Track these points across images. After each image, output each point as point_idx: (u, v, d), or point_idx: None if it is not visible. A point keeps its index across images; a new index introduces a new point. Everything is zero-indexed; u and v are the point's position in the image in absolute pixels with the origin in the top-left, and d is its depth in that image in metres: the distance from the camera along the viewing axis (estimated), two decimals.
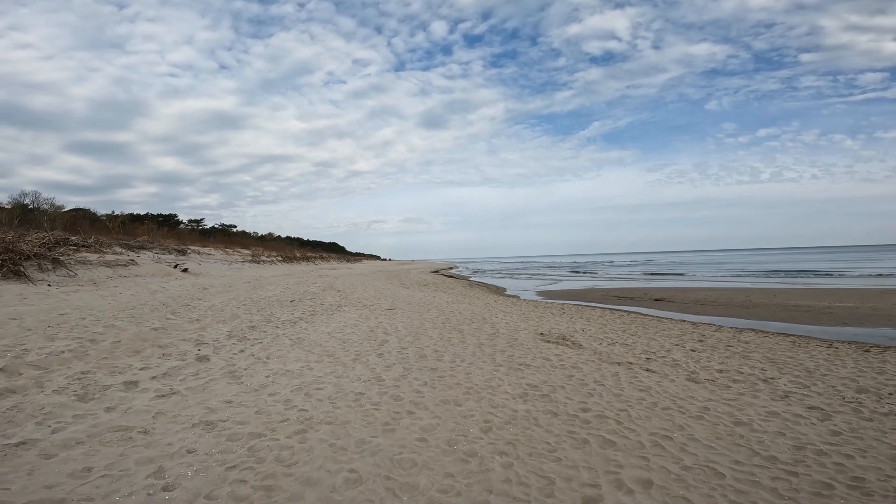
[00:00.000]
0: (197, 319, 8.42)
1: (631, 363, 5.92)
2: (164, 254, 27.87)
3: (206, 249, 35.92)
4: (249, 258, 39.03)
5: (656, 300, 16.63)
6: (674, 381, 5.18)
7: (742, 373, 5.69)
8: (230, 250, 40.67)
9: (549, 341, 7.31)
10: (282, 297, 12.93)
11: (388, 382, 4.76)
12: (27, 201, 34.48)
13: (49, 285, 14.52)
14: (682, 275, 34.40)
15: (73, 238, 22.92)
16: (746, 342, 8.01)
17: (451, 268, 66.44)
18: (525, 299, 17.10)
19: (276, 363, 5.40)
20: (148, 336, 6.49)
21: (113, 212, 47.40)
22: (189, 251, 31.52)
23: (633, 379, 5.17)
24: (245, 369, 5.08)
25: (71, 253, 19.66)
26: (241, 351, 5.96)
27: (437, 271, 49.05)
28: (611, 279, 31.03)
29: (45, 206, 36.06)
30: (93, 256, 20.37)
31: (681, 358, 6.39)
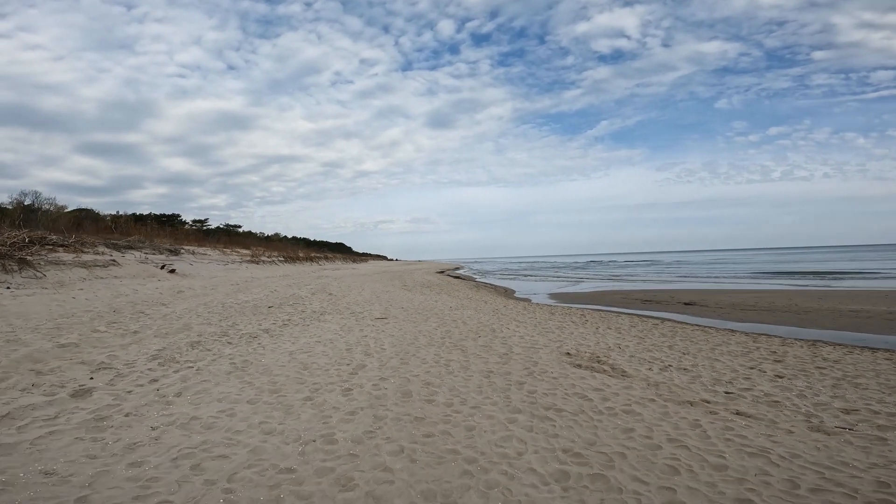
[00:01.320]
0: (135, 332, 6.74)
1: (708, 402, 4.11)
2: (154, 254, 26.45)
3: (202, 249, 34.52)
4: (249, 258, 37.58)
5: (686, 304, 14.71)
6: (792, 432, 3.37)
7: (878, 412, 3.86)
8: (228, 250, 39.25)
9: (579, 365, 5.51)
10: (263, 302, 11.26)
11: (342, 447, 3.00)
12: (28, 201, 33.49)
13: (8, 287, 12.99)
14: (703, 276, 32.26)
15: (53, 237, 21.55)
16: (836, 361, 6.14)
17: (457, 268, 64.60)
18: (538, 303, 15.27)
19: (182, 405, 3.67)
20: (44, 355, 4.83)
21: (118, 212, 46.57)
22: (183, 251, 30.10)
23: (729, 432, 3.36)
24: (128, 414, 3.37)
25: (44, 253, 18.23)
26: (152, 381, 4.25)
27: (442, 272, 47.29)
28: (627, 280, 29.05)
29: (47, 206, 35.08)
30: (68, 257, 18.91)
31: (773, 391, 4.55)
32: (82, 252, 20.75)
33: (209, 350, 5.77)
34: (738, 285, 22.45)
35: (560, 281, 29.28)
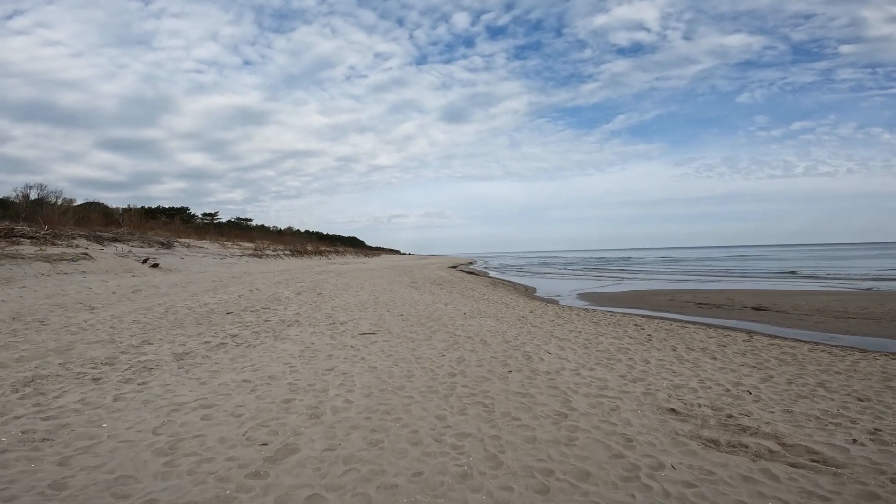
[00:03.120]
0: None
1: None
2: (143, 247, 24.44)
3: (200, 243, 32.54)
4: (251, 252, 35.56)
5: (756, 309, 11.88)
6: None
7: None
8: (230, 244, 37.27)
9: (714, 443, 2.89)
10: (225, 306, 8.87)
11: None
12: (34, 195, 32.07)
13: None
14: (741, 274, 29.10)
15: (25, 228, 19.58)
16: None
17: (470, 262, 61.86)
18: (568, 306, 12.58)
19: None
20: None
21: (129, 206, 45.60)
22: (177, 244, 28.09)
23: None
24: None
25: (2, 245, 16.19)
26: None
27: (455, 267, 44.70)
28: (658, 278, 26.09)
29: (53, 199, 33.64)
30: (30, 250, 16.86)
31: None
32: (53, 245, 18.80)
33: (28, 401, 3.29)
34: (797, 285, 19.39)
35: (583, 279, 26.45)
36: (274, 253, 40.22)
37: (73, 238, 20.37)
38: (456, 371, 4.67)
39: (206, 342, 5.64)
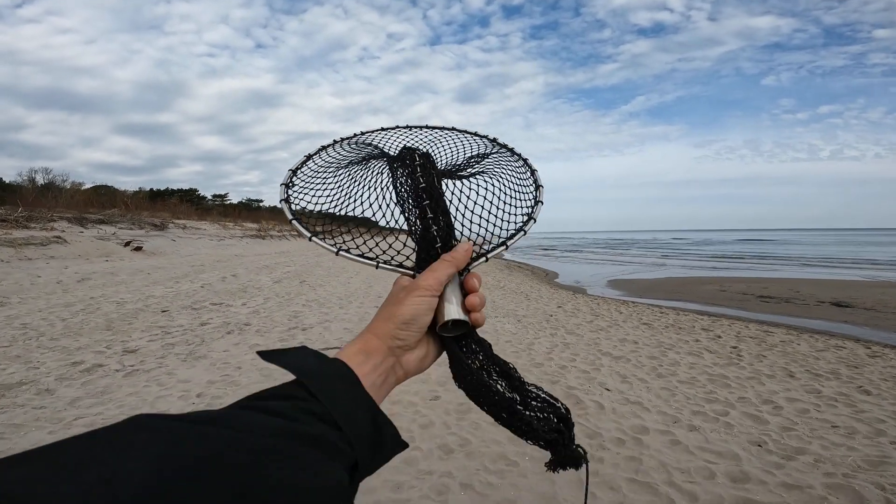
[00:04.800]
0: None
1: None
2: (132, 228, 22.90)
3: (199, 224, 31.03)
4: (254, 233, 34.00)
5: (837, 305, 9.59)
6: None
7: None
8: (232, 224, 35.78)
9: None
10: (186, 297, 7.01)
11: None
12: (40, 179, 30.96)
13: None
14: (786, 260, 26.46)
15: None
16: None
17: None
18: (600, 296, 10.43)
19: None
20: None
21: (140, 188, 44.95)
22: (172, 226, 26.55)
23: None
24: None
25: None
26: None
27: None
28: (691, 264, 23.66)
29: (60, 183, 32.52)
30: None
31: None
32: (26, 228, 17.27)
33: None
34: (856, 274, 16.86)
35: (607, 263, 24.14)
36: (279, 234, 38.61)
37: (53, 221, 18.86)
38: (456, 446, 2.65)
39: (73, 364, 3.72)
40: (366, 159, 0.69)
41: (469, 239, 0.59)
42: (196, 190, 59.04)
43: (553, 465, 0.46)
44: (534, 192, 0.64)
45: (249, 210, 56.51)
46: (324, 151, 0.68)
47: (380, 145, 0.72)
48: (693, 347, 5.26)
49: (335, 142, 0.70)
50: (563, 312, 7.45)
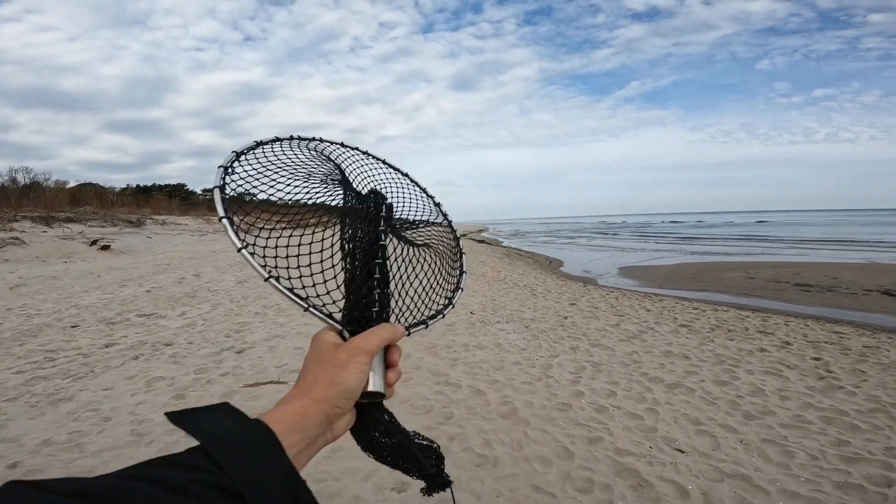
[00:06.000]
0: None
1: None
2: (104, 226, 21.37)
3: (181, 219, 29.43)
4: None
5: (887, 294, 8.30)
6: None
7: None
8: (216, 218, 34.13)
9: None
10: (123, 304, 5.64)
11: None
12: (21, 178, 30.13)
13: None
14: (800, 242, 25.31)
15: None
16: None
17: (481, 230, 57.94)
18: (614, 288, 9.10)
19: None
20: None
21: (128, 185, 44.23)
22: (150, 222, 24.98)
23: None
24: None
25: None
26: None
27: (465, 234, 41.15)
28: (703, 248, 22.45)
29: (42, 181, 31.24)
30: None
31: None
32: None
33: None
34: (881, 255, 15.64)
35: (613, 249, 22.84)
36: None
37: (15, 221, 17.32)
38: None
39: None
40: (324, 181, 0.63)
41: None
42: (184, 185, 57.37)
43: (428, 491, 0.55)
44: (458, 278, 0.66)
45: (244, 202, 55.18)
46: (278, 145, 0.59)
47: (338, 161, 0.66)
48: (764, 362, 3.93)
49: (292, 138, 0.62)
50: (579, 312, 6.10)
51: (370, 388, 0.48)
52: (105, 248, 16.62)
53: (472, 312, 5.77)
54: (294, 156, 0.61)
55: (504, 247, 25.07)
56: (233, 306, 6.00)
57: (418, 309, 0.59)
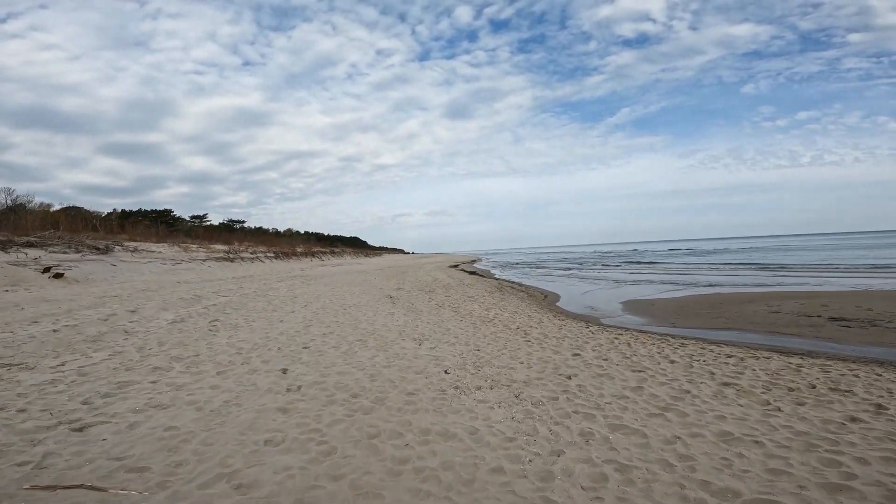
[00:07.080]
0: None
1: None
2: (66, 252, 19.85)
3: (157, 247, 27.92)
4: (222, 255, 30.97)
5: None
6: None
7: None
8: (195, 246, 32.69)
9: None
10: (4, 346, 4.14)
11: None
12: (2, 200, 29.09)
13: None
14: (808, 270, 24.27)
15: None
16: None
17: (474, 261, 56.76)
18: (621, 328, 7.75)
19: None
20: None
21: (114, 210, 43.18)
22: (119, 249, 23.45)
23: None
24: None
25: None
26: None
27: (456, 265, 39.83)
28: (706, 278, 21.28)
29: (25, 204, 29.94)
30: None
31: None
32: None
33: None
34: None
35: (610, 281, 21.59)
36: (252, 256, 35.60)
37: None
38: None
39: None
40: None
41: None
42: (171, 211, 55.96)
43: None
44: None
45: (231, 231, 53.65)
46: None
47: None
48: (869, 439, 2.57)
49: None
50: (586, 368, 4.73)
51: None
52: (58, 276, 15.09)
53: (446, 371, 4.38)
54: None
55: (496, 279, 23.75)
56: (133, 356, 4.57)
57: None
